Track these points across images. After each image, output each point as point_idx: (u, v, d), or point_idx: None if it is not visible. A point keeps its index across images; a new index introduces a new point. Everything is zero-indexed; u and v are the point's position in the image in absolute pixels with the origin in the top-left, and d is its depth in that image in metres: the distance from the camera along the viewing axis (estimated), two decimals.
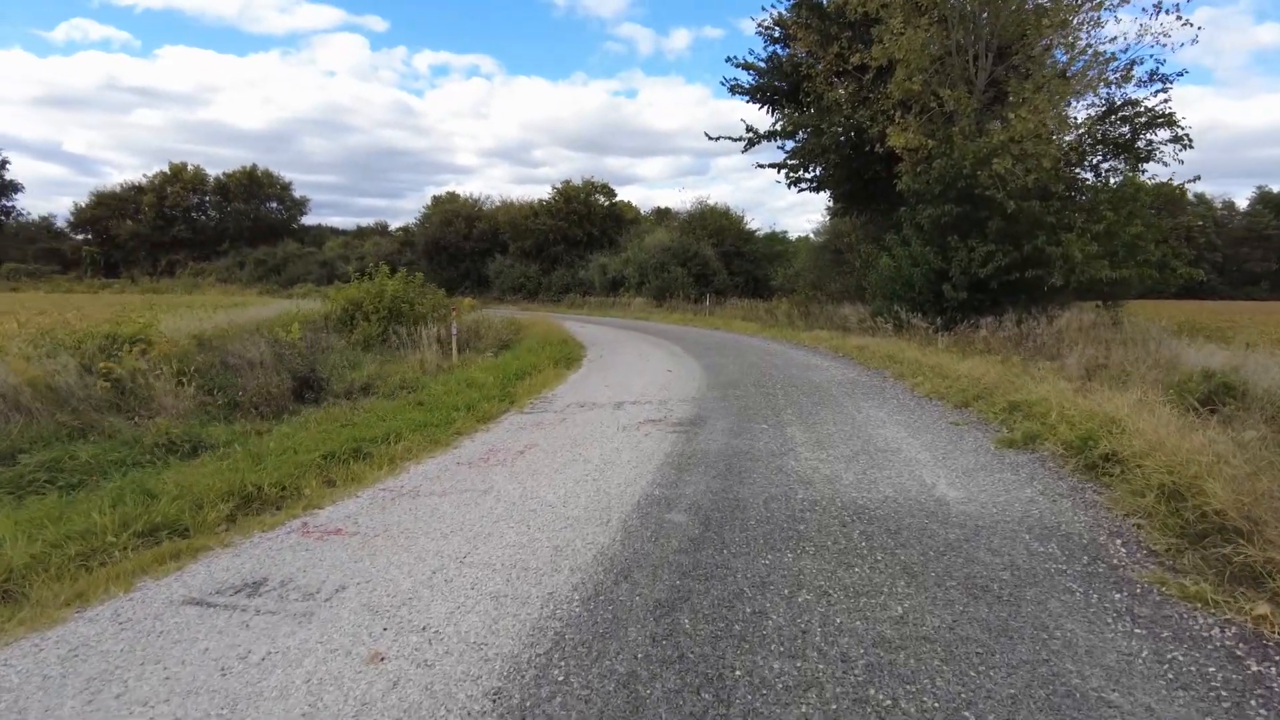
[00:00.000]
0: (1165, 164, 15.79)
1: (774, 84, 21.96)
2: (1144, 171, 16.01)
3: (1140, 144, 16.49)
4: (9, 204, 71.67)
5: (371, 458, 5.90)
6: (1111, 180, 15.89)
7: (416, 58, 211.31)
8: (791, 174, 22.62)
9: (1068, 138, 15.83)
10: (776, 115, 21.49)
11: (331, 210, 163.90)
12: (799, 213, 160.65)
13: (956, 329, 14.96)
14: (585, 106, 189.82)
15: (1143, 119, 16.00)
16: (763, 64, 22.05)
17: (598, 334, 21.76)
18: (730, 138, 22.83)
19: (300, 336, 10.63)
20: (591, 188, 50.04)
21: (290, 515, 4.70)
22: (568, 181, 49.81)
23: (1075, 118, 15.90)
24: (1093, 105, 15.99)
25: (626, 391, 9.83)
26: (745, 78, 22.64)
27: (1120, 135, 16.41)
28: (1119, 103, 16.03)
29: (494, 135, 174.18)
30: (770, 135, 22.25)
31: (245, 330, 12.02)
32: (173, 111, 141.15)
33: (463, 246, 54.16)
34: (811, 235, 35.05)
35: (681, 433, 7.05)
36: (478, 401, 8.26)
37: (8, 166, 70.15)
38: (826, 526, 4.39)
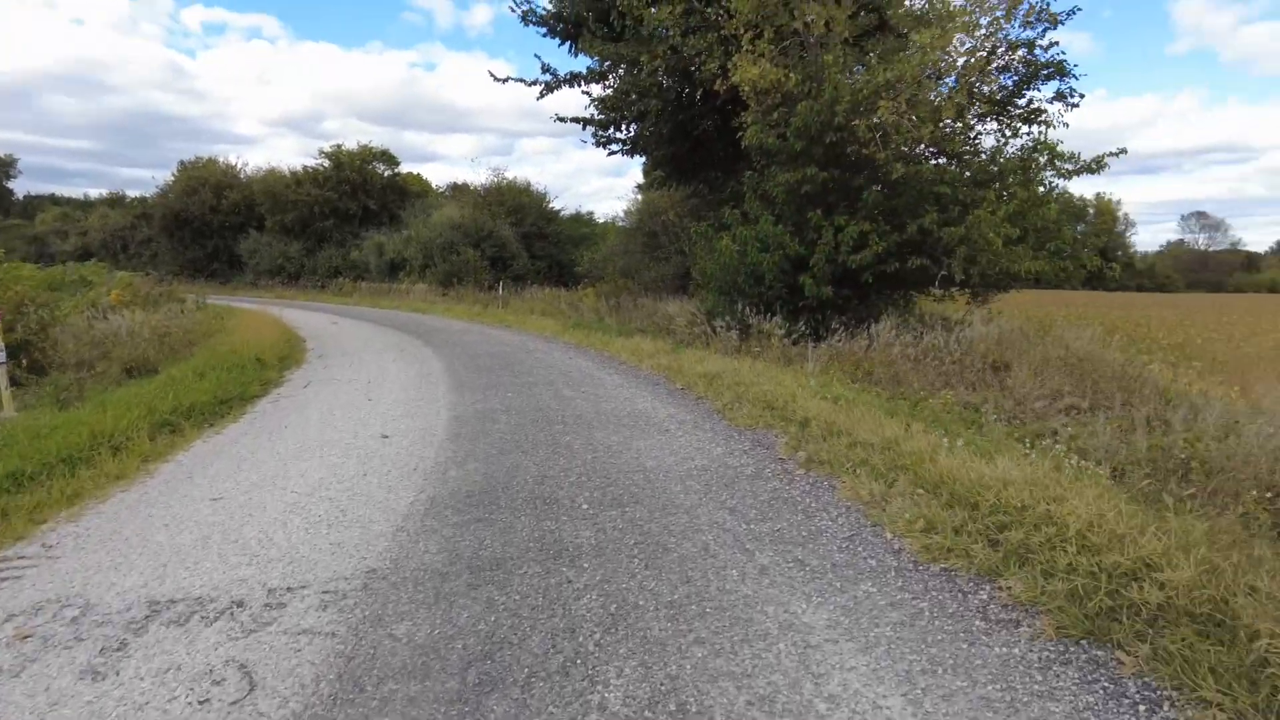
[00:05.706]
0: (1051, 125, 12.43)
1: (580, 11, 16.66)
2: (1030, 135, 12.52)
3: (1021, 101, 12.99)
4: None
5: None
6: (1003, 146, 12.26)
7: (185, 13, 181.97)
8: (600, 132, 17.49)
9: (950, 84, 11.97)
10: (581, 50, 16.23)
11: (88, 181, 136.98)
12: (604, 199, 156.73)
13: (831, 339, 10.74)
14: (382, 78, 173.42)
15: (1030, 68, 12.58)
16: None
17: (339, 336, 15.56)
18: (524, 81, 17.30)
19: None
20: (369, 154, 41.80)
21: None
22: (339, 145, 41.39)
23: (954, 59, 12.03)
24: (976, 43, 12.19)
25: (229, 540, 4.17)
26: (542, 1, 17.26)
27: (1000, 89, 12.85)
28: (999, 47, 12.37)
29: (281, 103, 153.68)
30: (574, 79, 17.03)
31: None
32: None
33: (210, 221, 44.37)
34: (621, 215, 30.50)
35: None
36: None
37: None
38: None
